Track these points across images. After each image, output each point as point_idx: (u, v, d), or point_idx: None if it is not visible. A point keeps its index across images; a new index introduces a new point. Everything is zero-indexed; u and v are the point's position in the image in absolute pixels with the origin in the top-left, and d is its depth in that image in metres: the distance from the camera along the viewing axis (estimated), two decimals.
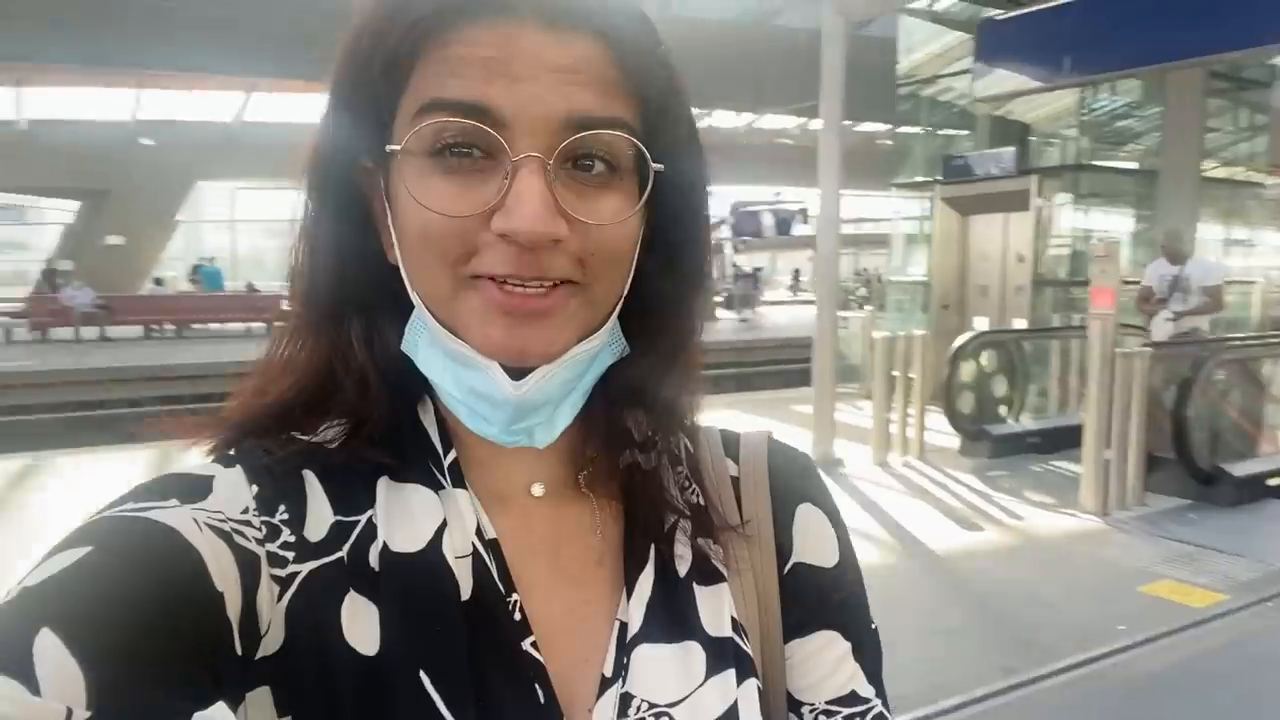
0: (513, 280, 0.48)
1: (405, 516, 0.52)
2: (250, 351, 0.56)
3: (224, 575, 0.45)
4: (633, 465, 0.57)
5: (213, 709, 0.45)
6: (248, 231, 29.59)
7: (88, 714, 0.37)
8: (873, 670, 0.60)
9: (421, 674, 0.48)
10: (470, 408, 0.52)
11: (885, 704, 0.60)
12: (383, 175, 0.50)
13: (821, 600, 0.60)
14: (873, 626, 0.62)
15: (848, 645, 0.60)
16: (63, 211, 23.74)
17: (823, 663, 0.59)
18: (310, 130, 0.53)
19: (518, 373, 0.49)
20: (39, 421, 10.67)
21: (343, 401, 0.53)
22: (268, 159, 19.09)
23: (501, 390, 0.50)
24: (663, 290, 0.55)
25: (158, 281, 22.43)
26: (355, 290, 0.53)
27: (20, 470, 6.52)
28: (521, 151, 0.46)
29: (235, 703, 0.48)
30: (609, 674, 0.53)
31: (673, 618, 0.55)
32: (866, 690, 0.59)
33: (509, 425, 0.52)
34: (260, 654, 0.47)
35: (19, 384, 11.54)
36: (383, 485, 0.53)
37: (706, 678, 0.53)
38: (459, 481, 0.54)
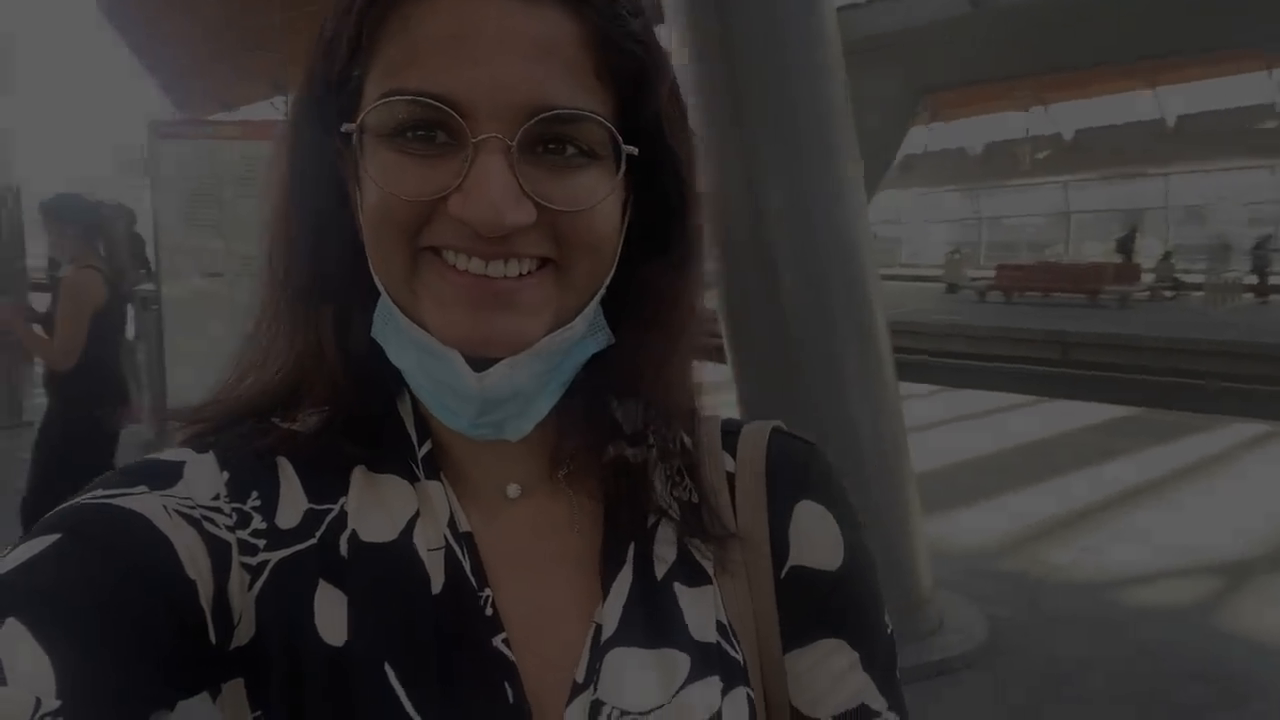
0: (475, 258, 0.45)
1: (377, 506, 0.51)
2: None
3: (195, 563, 0.45)
4: (618, 459, 0.54)
5: (193, 699, 0.45)
6: None
7: (57, 703, 0.37)
8: (886, 679, 0.56)
9: (386, 666, 0.47)
10: (439, 399, 0.50)
11: (902, 713, 0.56)
12: (353, 157, 0.49)
13: (822, 607, 0.56)
14: (889, 632, 0.58)
15: (855, 655, 0.56)
16: None
17: (826, 674, 0.55)
18: None
19: (482, 362, 0.47)
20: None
21: (319, 390, 0.52)
22: None
23: (464, 382, 0.47)
24: (652, 274, 0.52)
25: None
26: (332, 274, 0.51)
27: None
28: (482, 133, 0.43)
29: (214, 693, 0.47)
30: (580, 679, 0.50)
31: (652, 621, 0.52)
32: (878, 702, 0.55)
33: (476, 418, 0.49)
34: (234, 645, 0.47)
35: None
36: (357, 474, 0.52)
37: (685, 684, 0.50)
38: (433, 474, 0.53)
